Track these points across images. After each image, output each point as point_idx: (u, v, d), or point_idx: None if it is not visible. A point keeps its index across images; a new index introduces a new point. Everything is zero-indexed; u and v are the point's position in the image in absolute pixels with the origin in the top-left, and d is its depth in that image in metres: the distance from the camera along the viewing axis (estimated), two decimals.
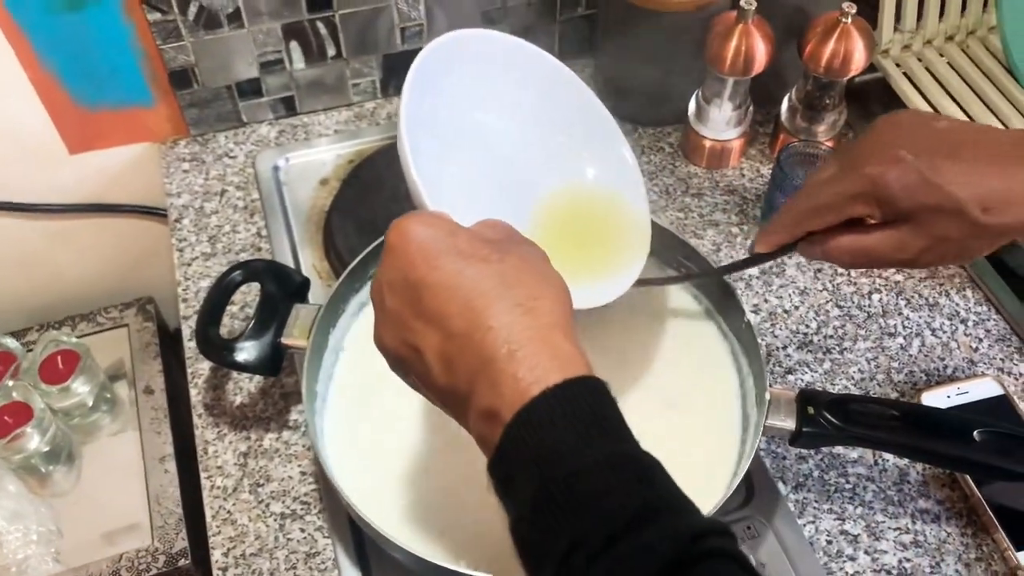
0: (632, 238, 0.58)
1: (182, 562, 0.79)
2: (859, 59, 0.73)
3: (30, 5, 0.71)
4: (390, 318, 0.40)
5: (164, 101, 0.82)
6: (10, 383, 0.82)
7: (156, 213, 0.88)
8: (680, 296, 0.66)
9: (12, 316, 0.93)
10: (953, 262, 0.54)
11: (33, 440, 0.82)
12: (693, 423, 0.60)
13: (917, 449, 0.56)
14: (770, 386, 0.56)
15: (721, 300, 0.64)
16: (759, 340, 0.60)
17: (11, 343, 0.87)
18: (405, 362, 0.40)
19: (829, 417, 0.55)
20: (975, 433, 0.54)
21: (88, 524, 0.83)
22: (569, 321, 0.39)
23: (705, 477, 0.55)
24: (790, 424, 0.55)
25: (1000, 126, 0.79)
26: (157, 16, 0.75)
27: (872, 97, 0.86)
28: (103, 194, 0.87)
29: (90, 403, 0.88)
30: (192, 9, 0.75)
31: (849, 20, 0.72)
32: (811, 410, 0.55)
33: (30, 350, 0.88)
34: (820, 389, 0.67)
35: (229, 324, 0.71)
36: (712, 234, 0.77)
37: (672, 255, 0.66)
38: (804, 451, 0.64)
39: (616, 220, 0.58)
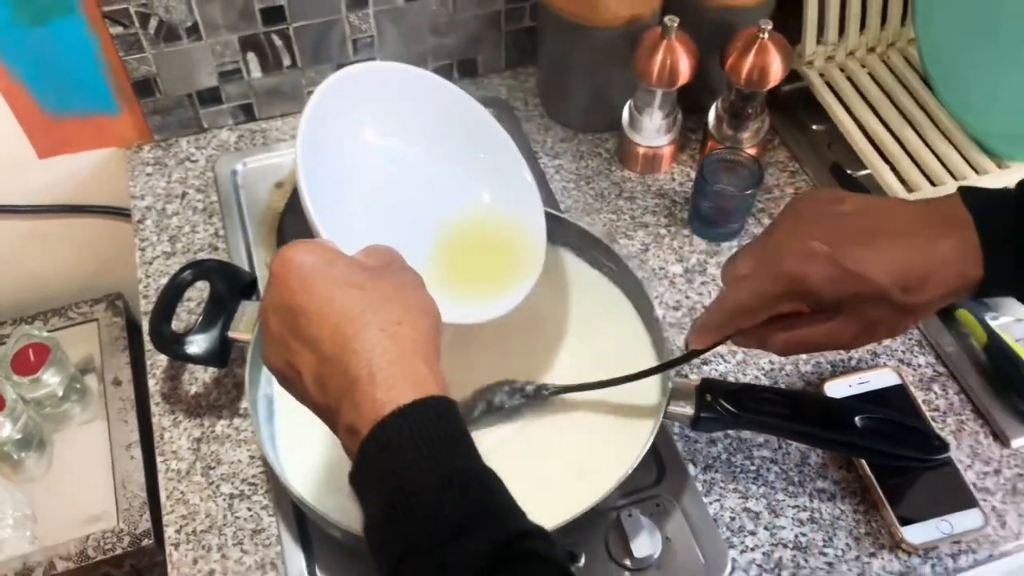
0: (528, 256, 0.63)
1: (145, 542, 0.84)
2: (776, 72, 0.78)
3: None
4: (273, 339, 0.44)
5: (128, 109, 0.86)
6: None
7: (123, 214, 0.93)
8: (611, 294, 0.71)
9: None
10: (886, 338, 0.55)
11: (5, 428, 0.87)
12: (615, 409, 0.65)
13: (804, 434, 0.61)
14: (686, 376, 0.62)
15: (639, 298, 0.69)
16: (665, 335, 0.65)
17: None
18: (287, 380, 0.45)
19: (725, 404, 0.60)
20: (856, 419, 0.60)
21: (59, 508, 0.88)
22: (429, 345, 0.43)
23: (616, 456, 0.60)
24: (690, 410, 0.61)
25: (914, 134, 0.85)
26: (119, 29, 0.79)
27: (797, 105, 0.91)
28: (72, 196, 0.92)
29: (60, 393, 0.93)
30: (152, 23, 0.80)
31: (766, 36, 0.77)
32: (709, 398, 0.61)
33: (2, 343, 0.93)
34: (730, 380, 0.72)
35: (187, 319, 0.76)
36: (642, 235, 0.83)
37: (596, 256, 0.72)
38: (714, 436, 0.69)
39: (514, 239, 0.64)
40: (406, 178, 0.62)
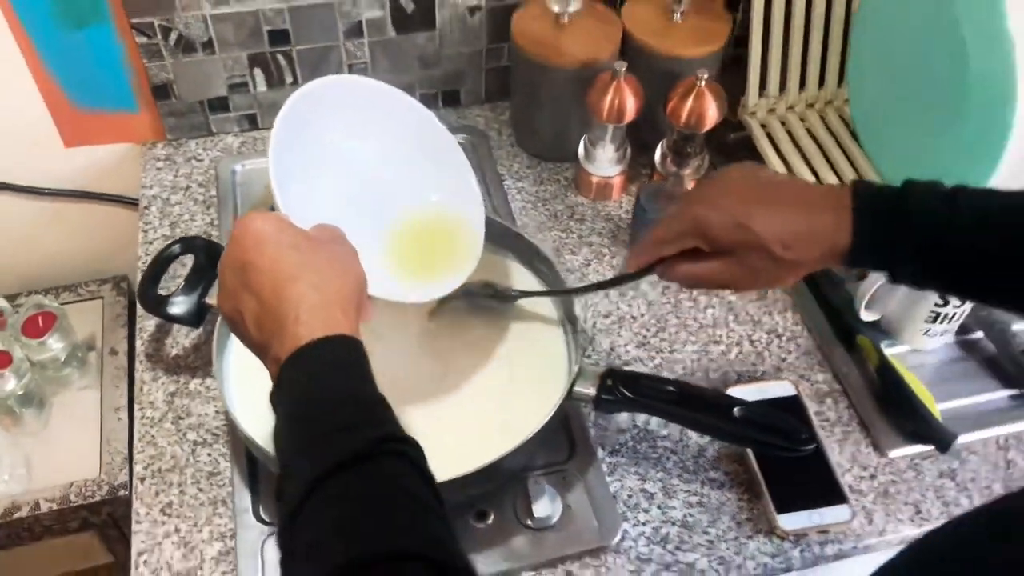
0: (467, 251, 0.73)
1: (122, 492, 0.94)
2: (711, 116, 0.89)
3: (41, 21, 0.88)
4: (226, 289, 0.54)
5: (147, 109, 0.98)
6: None
7: (133, 203, 1.04)
8: (544, 302, 0.81)
9: (6, 281, 1.09)
10: (766, 287, 0.67)
11: (10, 383, 0.98)
12: (529, 387, 0.74)
13: (688, 418, 0.70)
14: (596, 364, 0.71)
15: (568, 303, 0.79)
16: (591, 334, 0.75)
17: (1, 301, 1.03)
18: (234, 322, 0.55)
19: (621, 388, 0.69)
20: (735, 410, 0.69)
21: (50, 459, 0.98)
22: (349, 300, 0.53)
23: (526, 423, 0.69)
24: (592, 391, 0.70)
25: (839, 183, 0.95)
26: (144, 39, 0.92)
27: (741, 151, 1.02)
28: (90, 183, 1.04)
29: (62, 359, 1.03)
30: (173, 36, 0.92)
31: (703, 84, 0.87)
32: (610, 382, 0.70)
33: (16, 311, 1.04)
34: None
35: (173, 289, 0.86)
36: (586, 252, 0.93)
37: (532, 261, 0.82)
38: (623, 425, 0.78)
39: (456, 236, 0.74)
40: (365, 176, 0.73)
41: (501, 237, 0.81)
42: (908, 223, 0.56)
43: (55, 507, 0.93)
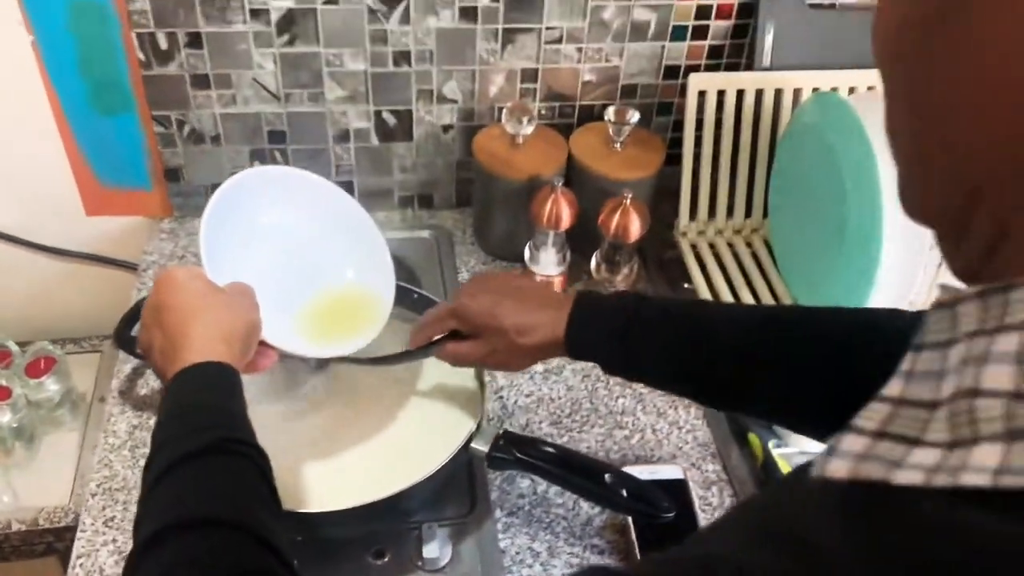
0: (373, 320, 0.84)
1: None
2: (635, 231, 1.01)
3: (79, 108, 1.05)
4: (144, 325, 0.68)
5: (158, 189, 1.14)
6: (0, 371, 1.12)
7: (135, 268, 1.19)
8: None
9: (20, 328, 1.23)
10: (508, 367, 0.79)
11: (6, 415, 1.10)
12: (436, 438, 0.84)
13: (566, 480, 0.79)
14: (499, 427, 0.81)
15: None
16: (511, 410, 0.85)
17: (12, 345, 1.17)
18: (146, 352, 0.68)
19: (512, 448, 0.79)
20: (606, 476, 0.78)
21: (29, 487, 1.09)
22: (235, 338, 0.66)
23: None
24: (486, 448, 0.80)
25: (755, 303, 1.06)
26: (161, 129, 1.08)
27: (675, 267, 1.13)
28: (103, 249, 1.19)
29: (56, 400, 1.16)
30: (186, 128, 1.09)
31: (628, 202, 1.00)
32: (502, 442, 0.80)
33: (24, 353, 1.18)
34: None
35: None
36: None
37: None
38: (524, 491, 0.87)
39: (366, 307, 0.86)
40: (290, 253, 0.85)
41: (418, 306, 0.94)
42: (602, 326, 0.70)
43: (24, 528, 1.03)
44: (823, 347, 0.62)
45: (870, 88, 1.09)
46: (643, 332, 0.68)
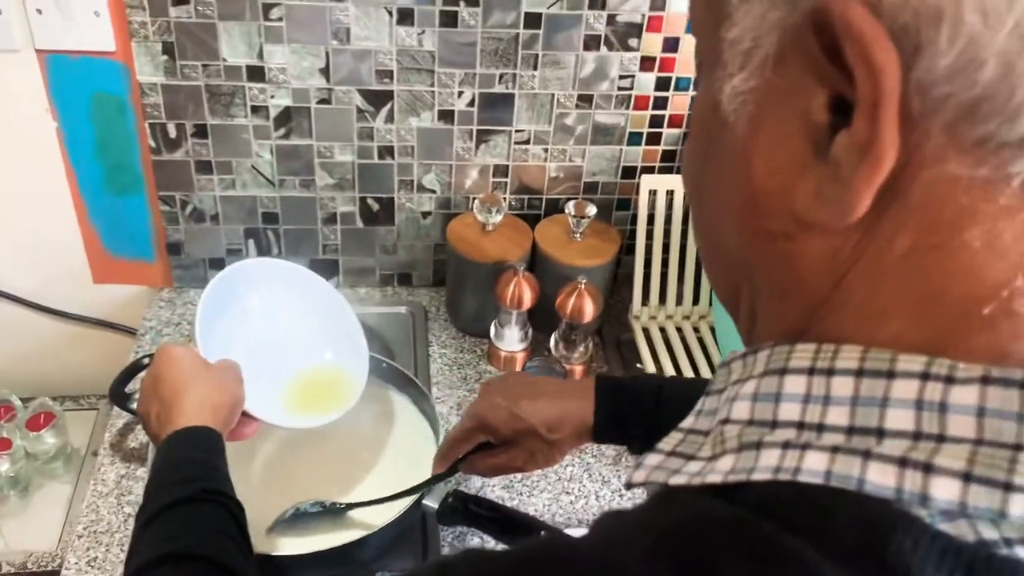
0: (347, 397, 0.94)
1: None
2: (589, 312, 1.12)
3: (94, 188, 1.17)
4: (144, 395, 0.78)
5: (161, 261, 1.26)
6: (3, 424, 1.21)
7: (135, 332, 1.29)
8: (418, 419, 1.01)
9: (25, 384, 1.32)
10: (545, 466, 0.80)
11: (4, 464, 1.19)
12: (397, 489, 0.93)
13: (508, 537, 0.87)
14: (452, 485, 0.90)
15: (436, 427, 0.99)
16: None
17: (15, 400, 1.26)
18: (144, 419, 0.77)
19: (460, 506, 0.88)
20: (542, 533, 0.86)
21: (21, 534, 1.17)
22: (221, 407, 0.76)
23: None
24: (435, 505, 0.88)
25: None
26: (167, 208, 1.20)
27: (629, 348, 1.24)
28: (107, 314, 1.30)
29: (52, 453, 1.24)
30: (189, 208, 1.21)
31: (583, 286, 1.11)
32: (451, 500, 0.89)
33: (26, 408, 1.27)
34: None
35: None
36: None
37: (423, 404, 1.03)
38: (473, 545, 0.95)
39: (341, 385, 0.95)
40: (273, 336, 0.96)
41: (394, 377, 1.03)
42: (629, 410, 0.74)
43: (12, 571, 1.10)
44: None
45: None
46: (670, 412, 0.70)
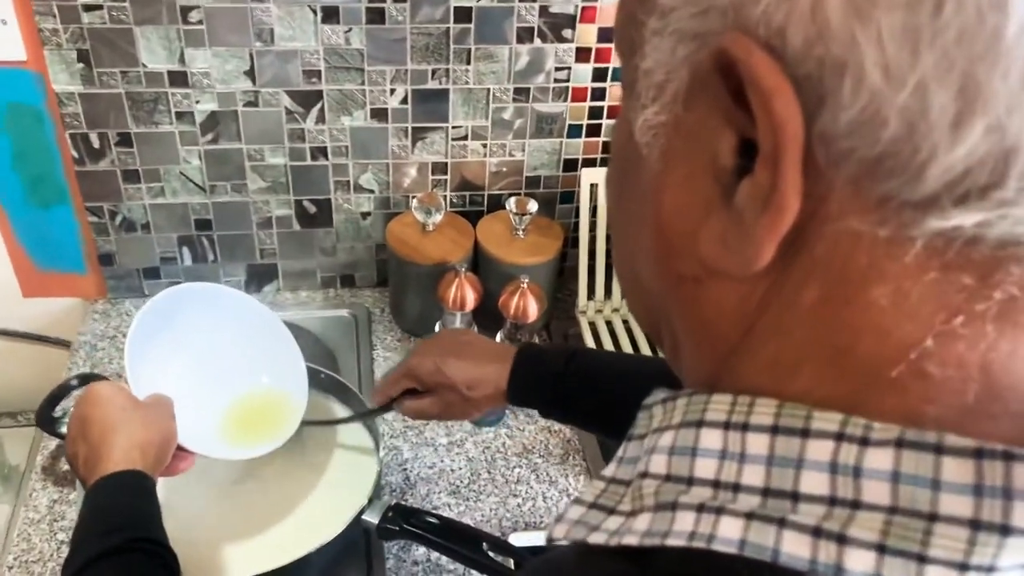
0: (287, 422, 0.91)
1: None
2: (533, 311, 1.10)
3: (16, 201, 1.13)
4: (70, 436, 0.75)
5: (93, 272, 1.22)
6: None
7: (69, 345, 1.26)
8: (361, 436, 0.99)
9: None
10: (463, 417, 0.85)
11: None
12: (338, 507, 0.91)
13: (449, 549, 0.86)
14: (391, 500, 0.88)
15: (378, 443, 0.97)
16: (413, 481, 0.93)
17: None
18: (71, 462, 0.74)
19: (399, 520, 0.86)
20: (484, 544, 0.85)
21: None
22: (150, 447, 0.73)
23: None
24: (375, 520, 0.87)
25: None
26: (95, 219, 1.16)
27: (577, 342, 1.22)
28: (39, 328, 1.26)
29: None
30: (118, 218, 1.17)
31: (525, 285, 1.09)
32: (391, 514, 0.87)
33: None
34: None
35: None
36: None
37: (355, 402, 1.01)
38: (418, 558, 0.94)
39: (280, 410, 0.93)
40: (208, 362, 0.92)
41: (325, 384, 1.02)
42: (539, 376, 0.78)
43: None
44: None
45: None
46: (575, 381, 0.77)
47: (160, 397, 0.80)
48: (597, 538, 0.32)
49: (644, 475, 0.32)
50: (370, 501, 0.88)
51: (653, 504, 0.31)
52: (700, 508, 0.29)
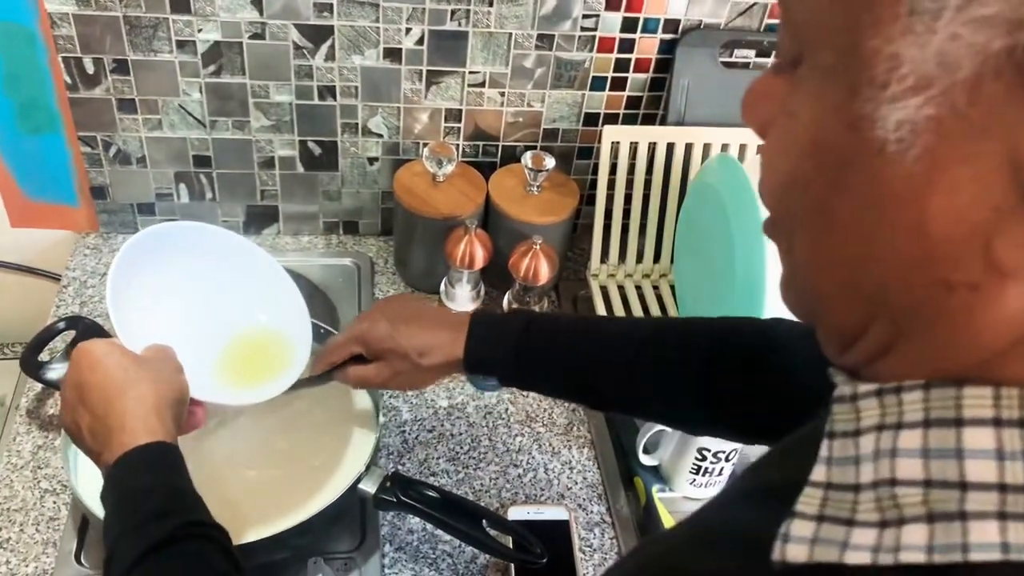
0: (292, 361, 0.86)
1: None
2: (544, 274, 1.05)
3: (4, 127, 1.07)
4: (67, 405, 0.67)
5: (85, 205, 1.16)
6: None
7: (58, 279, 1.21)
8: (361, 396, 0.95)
9: None
10: (411, 387, 0.85)
11: None
12: (331, 478, 0.88)
13: (446, 524, 0.83)
14: (384, 469, 0.85)
15: (377, 408, 0.93)
16: (411, 444, 0.89)
17: None
18: (73, 433, 0.67)
19: (396, 491, 0.83)
20: (483, 521, 0.82)
21: None
22: (166, 408, 0.66)
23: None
24: (372, 490, 0.83)
25: None
26: (88, 149, 1.10)
27: (587, 306, 1.18)
28: (28, 259, 1.21)
29: None
30: (112, 149, 1.11)
31: (538, 247, 1.04)
32: (388, 484, 0.84)
33: None
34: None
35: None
36: None
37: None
38: (414, 527, 0.91)
39: (282, 347, 0.87)
40: (200, 302, 0.86)
41: (320, 338, 0.96)
42: (497, 343, 0.76)
43: None
44: (695, 353, 0.71)
45: None
46: (535, 348, 0.75)
47: (161, 348, 0.73)
48: (857, 557, 0.30)
49: (892, 482, 0.30)
50: (367, 468, 0.85)
51: (924, 513, 0.29)
52: (1003, 516, 0.27)
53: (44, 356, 0.94)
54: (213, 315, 0.87)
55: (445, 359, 0.76)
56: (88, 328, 0.94)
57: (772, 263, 0.91)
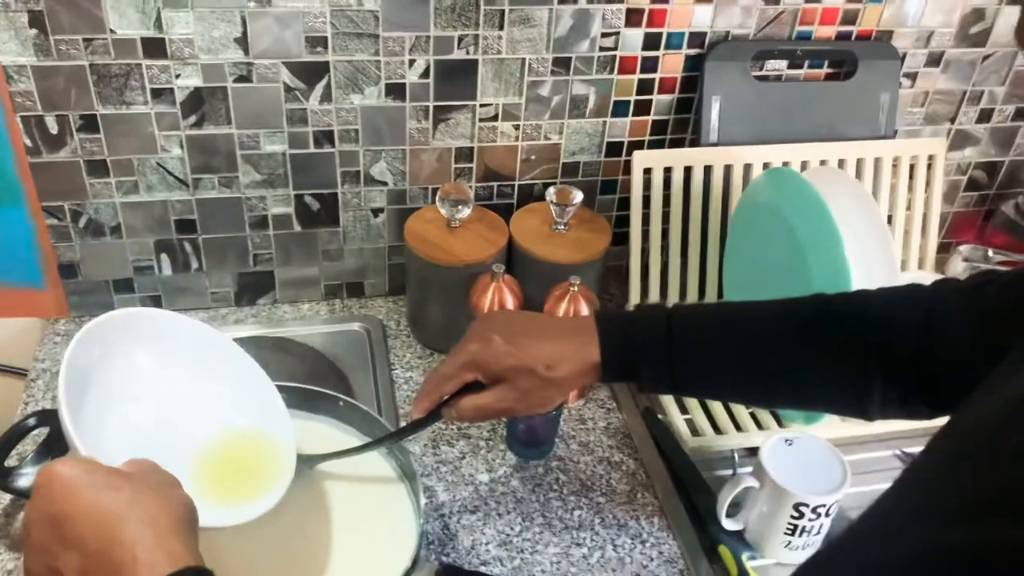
0: (279, 467, 0.72)
1: None
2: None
3: None
4: (36, 548, 0.49)
5: (52, 287, 1.02)
6: None
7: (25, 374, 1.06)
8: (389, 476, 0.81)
9: None
10: (539, 409, 0.72)
11: None
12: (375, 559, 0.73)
13: None
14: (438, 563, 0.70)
15: (413, 480, 0.78)
16: (454, 530, 0.74)
17: None
18: None
19: None
20: None
21: None
22: (183, 527, 0.51)
23: None
24: None
25: None
26: (54, 221, 0.97)
27: None
28: None
29: None
30: (83, 220, 0.97)
31: (576, 288, 0.92)
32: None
33: None
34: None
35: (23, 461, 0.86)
36: (463, 444, 0.93)
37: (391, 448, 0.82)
38: None
39: (267, 452, 0.73)
40: (167, 405, 0.72)
41: (326, 406, 0.83)
42: (641, 344, 0.68)
43: None
44: (868, 326, 0.65)
45: (823, 162, 1.04)
46: (687, 341, 0.67)
47: (142, 462, 0.56)
48: None
49: None
50: (414, 563, 0.70)
51: None
52: None
53: (12, 461, 0.79)
54: (182, 419, 0.72)
55: (578, 367, 0.68)
56: (58, 420, 0.79)
57: (853, 261, 0.80)
